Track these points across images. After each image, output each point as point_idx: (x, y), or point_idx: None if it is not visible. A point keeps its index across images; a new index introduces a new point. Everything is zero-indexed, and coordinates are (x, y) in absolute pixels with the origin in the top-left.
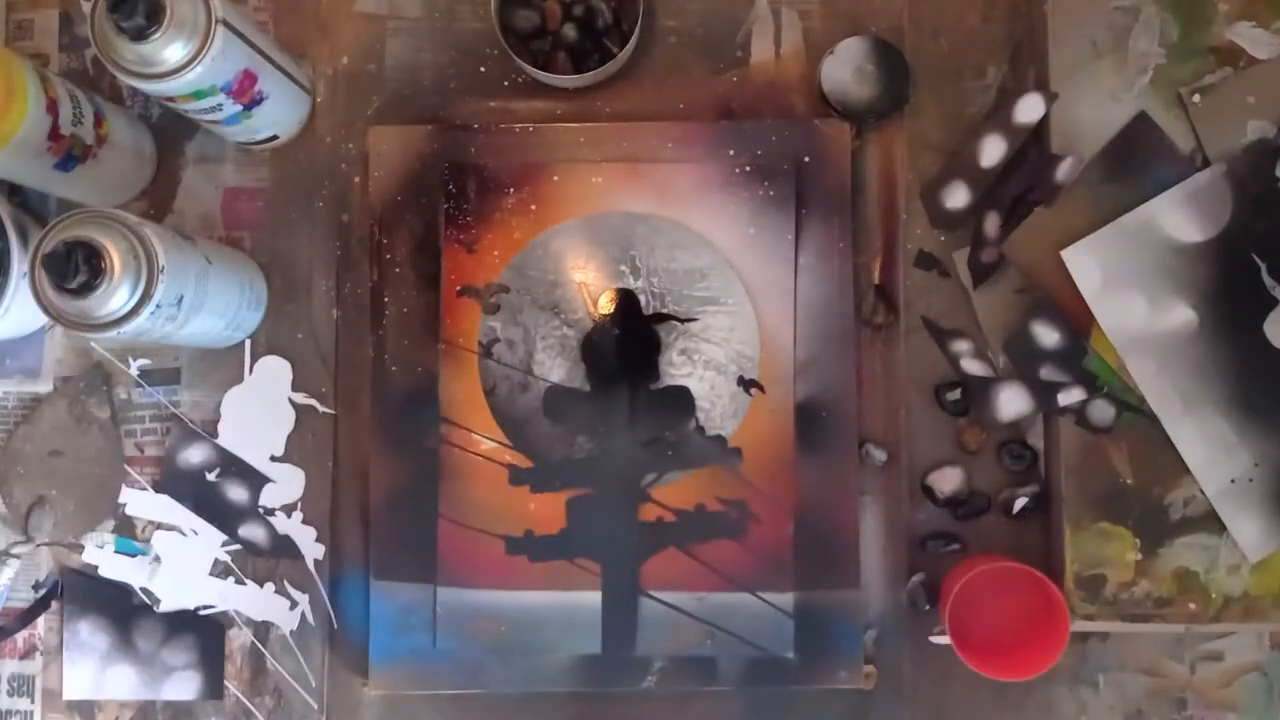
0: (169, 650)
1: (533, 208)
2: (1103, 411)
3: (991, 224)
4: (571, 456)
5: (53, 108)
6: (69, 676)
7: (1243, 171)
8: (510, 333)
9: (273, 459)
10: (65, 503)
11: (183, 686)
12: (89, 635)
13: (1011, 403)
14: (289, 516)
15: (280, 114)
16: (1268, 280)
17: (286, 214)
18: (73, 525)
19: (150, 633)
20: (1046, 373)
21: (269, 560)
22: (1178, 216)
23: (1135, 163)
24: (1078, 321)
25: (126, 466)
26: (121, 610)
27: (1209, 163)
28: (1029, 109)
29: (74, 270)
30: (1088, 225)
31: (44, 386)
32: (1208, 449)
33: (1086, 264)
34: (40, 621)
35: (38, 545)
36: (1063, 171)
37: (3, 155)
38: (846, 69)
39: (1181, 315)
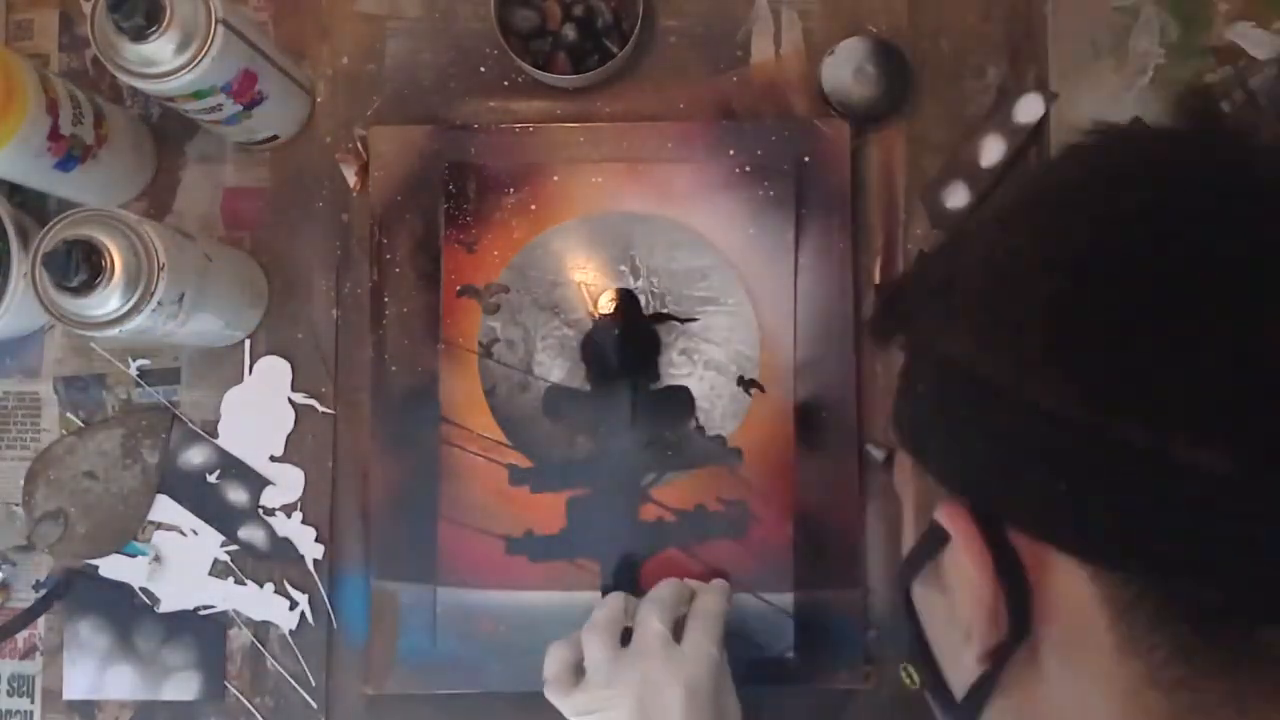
0: (169, 650)
1: (533, 208)
2: None
3: None
4: (571, 456)
5: (53, 108)
6: (69, 676)
7: None
8: (510, 333)
9: (272, 459)
10: (80, 524)
11: (183, 686)
12: (89, 635)
13: None
14: (289, 517)
15: (280, 114)
16: None
17: (286, 214)
18: (78, 547)
19: (150, 633)
20: None
21: (269, 561)
22: None
23: None
24: None
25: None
26: (121, 610)
27: None
28: (1029, 109)
29: (74, 269)
30: None
31: (44, 386)
32: None
33: None
34: (40, 621)
35: (36, 553)
36: None
37: (3, 155)
38: (846, 69)
39: None
